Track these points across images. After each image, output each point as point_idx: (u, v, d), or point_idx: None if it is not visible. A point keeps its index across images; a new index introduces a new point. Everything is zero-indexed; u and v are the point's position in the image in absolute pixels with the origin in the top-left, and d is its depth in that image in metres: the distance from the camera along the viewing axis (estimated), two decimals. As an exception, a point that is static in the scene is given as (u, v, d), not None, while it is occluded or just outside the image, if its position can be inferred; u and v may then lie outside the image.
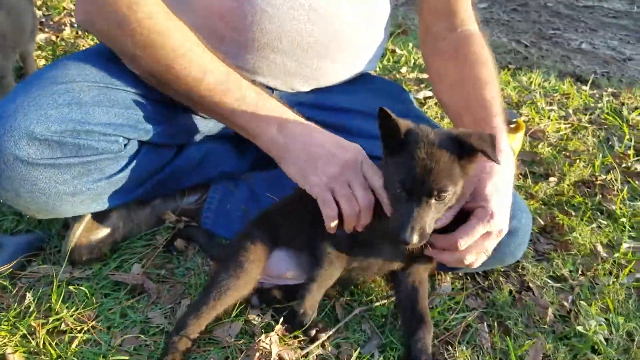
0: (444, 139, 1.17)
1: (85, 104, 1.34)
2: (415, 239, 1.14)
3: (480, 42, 1.54)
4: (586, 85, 3.18)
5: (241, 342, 1.36)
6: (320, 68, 1.61)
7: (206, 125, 1.59)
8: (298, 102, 1.64)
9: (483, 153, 1.13)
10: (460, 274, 1.66)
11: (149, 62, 1.33)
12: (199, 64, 1.32)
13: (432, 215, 1.17)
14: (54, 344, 1.31)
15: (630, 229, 1.94)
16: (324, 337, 1.38)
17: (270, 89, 1.61)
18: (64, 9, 3.42)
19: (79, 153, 1.33)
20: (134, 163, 1.44)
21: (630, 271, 1.72)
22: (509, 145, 1.41)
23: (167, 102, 1.47)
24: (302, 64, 1.57)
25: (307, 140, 1.32)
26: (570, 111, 2.81)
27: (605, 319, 1.52)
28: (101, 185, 1.40)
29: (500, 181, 1.28)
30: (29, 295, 1.42)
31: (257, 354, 1.29)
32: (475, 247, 1.25)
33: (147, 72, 1.37)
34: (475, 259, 1.28)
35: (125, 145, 1.41)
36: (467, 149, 1.16)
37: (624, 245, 1.83)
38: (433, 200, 1.15)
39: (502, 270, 1.69)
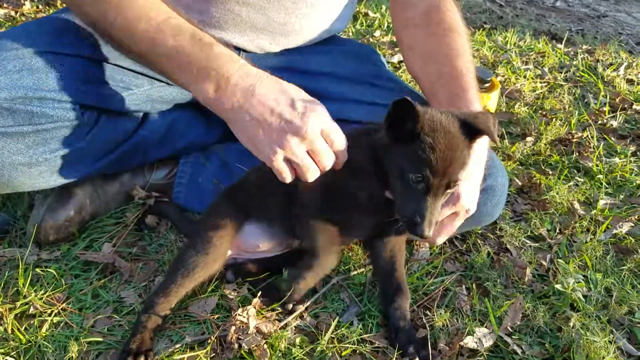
0: (456, 124, 1.14)
1: (36, 70, 1.28)
2: (432, 232, 1.13)
3: (452, 7, 1.49)
4: (561, 43, 3.15)
5: (217, 317, 1.33)
6: (287, 23, 1.55)
7: (170, 93, 1.53)
8: (267, 65, 1.59)
9: (488, 134, 1.13)
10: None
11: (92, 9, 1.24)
12: (138, 8, 1.21)
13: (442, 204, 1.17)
14: (22, 329, 1.27)
15: (606, 185, 1.94)
16: (301, 308, 1.36)
17: (238, 50, 1.56)
18: (23, -18, 3.28)
19: (32, 121, 1.26)
20: (93, 132, 1.38)
21: (607, 227, 1.72)
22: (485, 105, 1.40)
23: (127, 67, 1.41)
24: (269, 18, 1.51)
25: (252, 100, 1.17)
26: (546, 69, 2.78)
27: (584, 276, 1.52)
28: (59, 156, 1.34)
29: (474, 160, 1.26)
30: (-6, 280, 1.37)
31: (234, 328, 1.26)
32: (444, 229, 1.27)
33: (89, 19, 1.28)
34: (444, 239, 1.31)
35: (82, 113, 1.35)
36: (474, 131, 1.15)
37: (601, 202, 1.83)
38: (447, 190, 1.14)
39: (480, 232, 1.68)
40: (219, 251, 1.33)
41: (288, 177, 1.18)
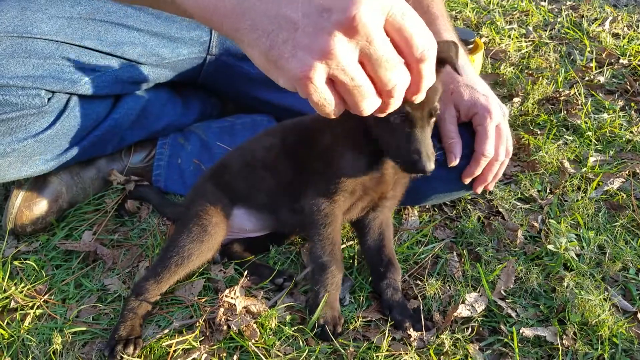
0: None
1: None
2: (433, 165, 1.09)
3: None
4: (545, 1, 3.09)
5: (205, 299, 1.30)
6: None
7: (141, 74, 1.47)
8: None
9: (449, 63, 1.07)
10: (427, 207, 1.61)
11: None
12: None
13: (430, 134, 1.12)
14: (4, 324, 1.23)
15: (596, 142, 1.91)
16: (290, 285, 1.33)
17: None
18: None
19: None
20: (62, 118, 1.33)
21: (598, 184, 1.69)
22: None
23: (93, 47, 1.35)
24: None
25: None
26: (531, 28, 2.73)
27: (576, 234, 1.49)
28: (28, 145, 1.29)
29: (471, 82, 1.31)
30: (-27, 276, 1.33)
31: (222, 310, 1.23)
32: (499, 141, 1.28)
33: None
34: (505, 152, 1.32)
35: (49, 99, 1.29)
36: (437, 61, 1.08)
37: (591, 159, 1.80)
38: (430, 121, 1.11)
39: (470, 197, 1.65)
40: (214, 240, 1.30)
41: (332, 110, 0.78)
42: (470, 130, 1.35)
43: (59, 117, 1.32)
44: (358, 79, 0.73)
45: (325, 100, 0.75)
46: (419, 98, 0.82)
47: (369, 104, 0.76)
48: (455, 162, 1.32)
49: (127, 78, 1.44)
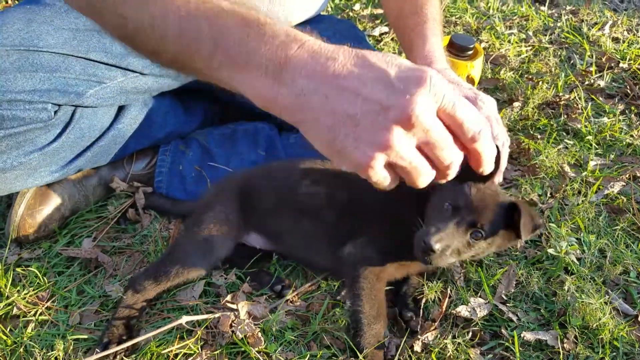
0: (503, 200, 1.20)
1: (4, 71, 1.23)
2: (438, 247, 1.09)
3: None
4: (545, 6, 3.10)
5: (207, 304, 1.31)
6: (271, 12, 1.51)
7: (145, 83, 1.48)
8: None
9: (519, 231, 1.14)
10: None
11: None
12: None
13: (462, 247, 1.14)
14: (7, 330, 1.24)
15: (596, 146, 1.91)
16: (290, 293, 1.33)
17: None
18: (-9, -23, 3.19)
19: (3, 125, 1.22)
20: (68, 131, 1.34)
21: (598, 188, 1.69)
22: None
23: (98, 60, 1.36)
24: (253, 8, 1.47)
25: (324, 86, 0.78)
26: (530, 33, 2.73)
27: (577, 238, 1.49)
28: (34, 158, 1.30)
29: (456, 80, 1.33)
30: (-25, 283, 1.34)
31: (224, 315, 1.23)
32: (499, 125, 1.30)
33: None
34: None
35: (55, 112, 1.30)
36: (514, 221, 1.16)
37: (591, 163, 1.80)
38: (469, 232, 1.14)
39: (471, 201, 1.65)
40: (218, 257, 1.32)
41: (388, 186, 0.84)
42: None
43: (64, 130, 1.34)
44: (416, 162, 0.80)
45: (384, 181, 0.82)
46: (485, 169, 0.89)
47: (425, 180, 0.83)
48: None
49: (131, 89, 1.45)
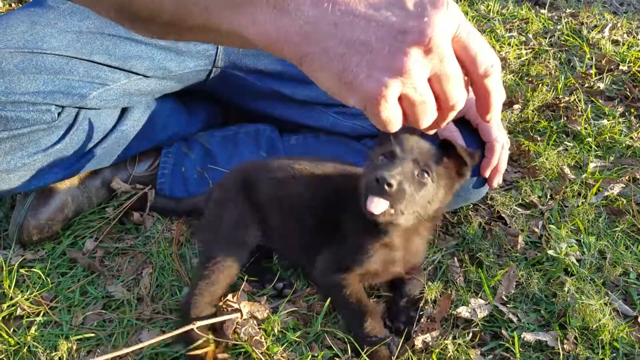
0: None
1: (8, 73, 1.24)
2: (394, 181, 1.04)
3: None
4: (544, 9, 3.11)
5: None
6: None
7: (148, 85, 1.49)
8: (247, 52, 1.57)
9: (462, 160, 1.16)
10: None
11: None
12: None
13: (415, 188, 1.11)
14: (10, 331, 1.25)
15: (596, 148, 1.92)
16: (290, 292, 1.33)
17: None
18: (-6, -20, 3.21)
19: (7, 126, 1.23)
20: (72, 132, 1.35)
21: (598, 190, 1.70)
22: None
23: (102, 62, 1.37)
24: None
25: (330, 13, 0.72)
26: (530, 36, 2.75)
27: (577, 240, 1.50)
28: (38, 159, 1.31)
29: None
30: (-21, 284, 1.35)
31: (227, 316, 1.24)
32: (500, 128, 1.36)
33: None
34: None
35: (59, 113, 1.31)
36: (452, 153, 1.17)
37: (591, 165, 1.81)
38: (415, 172, 1.11)
39: (471, 204, 1.66)
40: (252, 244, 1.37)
41: (395, 127, 0.77)
42: (468, 130, 1.39)
43: (68, 131, 1.35)
44: (426, 96, 0.75)
45: (394, 117, 0.75)
46: (493, 116, 0.82)
47: (429, 119, 0.78)
48: None
49: (134, 91, 1.46)
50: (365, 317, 1.20)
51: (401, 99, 0.74)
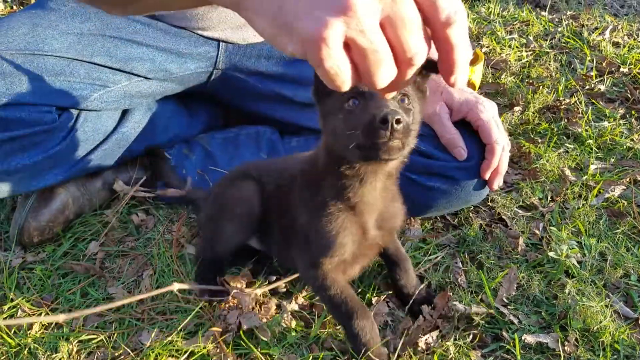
0: None
1: (10, 74, 1.25)
2: (400, 115, 0.89)
3: None
4: (545, 11, 3.12)
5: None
6: None
7: (149, 87, 1.50)
8: (249, 55, 1.57)
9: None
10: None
11: None
12: None
13: (405, 115, 0.97)
14: (11, 332, 1.25)
15: (597, 149, 1.92)
16: (280, 283, 1.32)
17: (219, 42, 1.53)
18: (-5, -17, 3.22)
19: (8, 127, 1.24)
20: (72, 134, 1.36)
21: (599, 192, 1.70)
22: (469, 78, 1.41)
23: (103, 64, 1.38)
24: None
25: None
26: (531, 38, 2.75)
27: (577, 242, 1.50)
28: (39, 161, 1.31)
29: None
30: (-20, 286, 1.35)
31: (230, 309, 1.25)
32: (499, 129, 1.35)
33: None
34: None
35: (59, 115, 1.32)
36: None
37: (592, 167, 1.81)
38: (397, 100, 0.97)
39: (472, 205, 1.66)
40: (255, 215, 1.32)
41: (344, 80, 0.66)
42: (469, 132, 1.39)
43: (69, 133, 1.35)
44: (377, 42, 0.63)
45: (339, 68, 0.64)
46: (457, 78, 0.68)
47: (385, 73, 0.65)
48: (464, 154, 1.34)
49: (135, 93, 1.46)
50: (354, 316, 1.15)
51: (349, 47, 0.63)
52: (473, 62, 1.98)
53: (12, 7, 2.97)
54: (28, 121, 1.26)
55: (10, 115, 1.23)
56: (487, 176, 1.37)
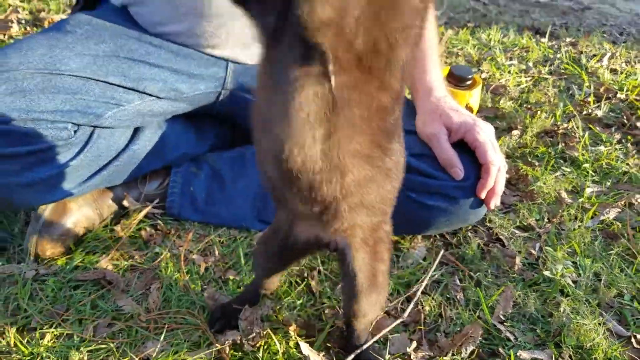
0: None
1: (29, 92, 1.31)
2: None
3: None
4: (545, 37, 3.20)
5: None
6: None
7: (161, 107, 1.56)
8: (253, 76, 1.63)
9: None
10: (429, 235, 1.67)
11: None
12: None
13: None
14: (25, 341, 1.29)
15: (593, 173, 1.97)
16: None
17: (227, 62, 1.60)
18: (10, 5, 3.31)
19: (26, 142, 1.30)
20: (86, 150, 1.42)
21: (594, 214, 1.75)
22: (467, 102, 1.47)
23: (117, 83, 1.44)
24: None
25: None
26: (530, 64, 2.82)
27: (573, 262, 1.55)
28: (54, 175, 1.37)
29: (455, 106, 1.46)
30: (-5, 297, 1.40)
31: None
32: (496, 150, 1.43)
33: None
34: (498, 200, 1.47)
35: (75, 131, 1.38)
36: None
37: (588, 190, 1.86)
38: None
39: (470, 225, 1.71)
40: None
41: None
42: (466, 152, 1.44)
43: (83, 149, 1.41)
44: None
45: None
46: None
47: None
48: (461, 174, 1.40)
49: (147, 111, 1.53)
50: None
51: None
52: (471, 87, 2.04)
53: (25, 29, 3.06)
54: (45, 137, 1.32)
55: (29, 130, 1.29)
56: (482, 195, 1.42)
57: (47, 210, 1.52)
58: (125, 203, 1.65)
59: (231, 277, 1.50)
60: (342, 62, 0.67)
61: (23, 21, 3.10)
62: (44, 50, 1.39)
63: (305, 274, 1.51)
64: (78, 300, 1.43)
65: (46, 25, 3.07)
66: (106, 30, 1.51)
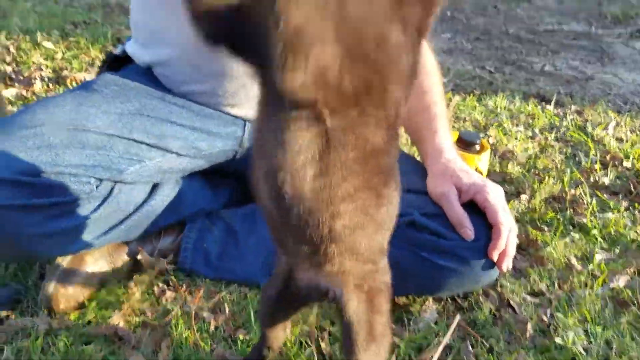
0: None
1: (55, 147, 1.36)
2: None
3: (425, 49, 1.62)
4: (550, 105, 3.28)
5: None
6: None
7: (180, 164, 1.61)
8: None
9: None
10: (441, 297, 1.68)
11: None
12: None
13: None
14: (34, 397, 1.29)
15: (602, 240, 1.99)
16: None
17: (245, 122, 1.66)
18: (34, 63, 3.45)
19: (50, 194, 1.34)
20: (106, 203, 1.45)
21: (604, 281, 1.75)
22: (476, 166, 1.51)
23: (140, 140, 1.49)
24: None
25: None
26: (537, 130, 2.89)
27: (584, 329, 1.54)
28: (74, 227, 1.40)
29: (465, 168, 1.50)
30: (7, 350, 1.40)
31: None
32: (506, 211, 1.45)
33: None
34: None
35: (97, 186, 1.42)
36: None
37: (597, 257, 1.87)
38: None
39: (482, 290, 1.71)
40: None
41: None
42: (477, 213, 1.46)
43: (103, 202, 1.45)
44: None
45: None
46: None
47: None
48: (471, 235, 1.41)
49: (167, 168, 1.58)
50: None
51: None
52: (479, 151, 2.09)
53: (48, 86, 3.17)
54: (69, 189, 1.36)
55: (53, 183, 1.34)
56: (494, 257, 1.43)
57: (65, 261, 1.54)
58: (139, 257, 1.67)
59: (241, 337, 1.50)
60: (333, 106, 0.69)
61: (46, 78, 3.22)
62: (71, 107, 1.46)
63: (316, 335, 1.50)
64: (89, 355, 1.42)
65: (68, 82, 3.18)
66: (131, 89, 1.58)
